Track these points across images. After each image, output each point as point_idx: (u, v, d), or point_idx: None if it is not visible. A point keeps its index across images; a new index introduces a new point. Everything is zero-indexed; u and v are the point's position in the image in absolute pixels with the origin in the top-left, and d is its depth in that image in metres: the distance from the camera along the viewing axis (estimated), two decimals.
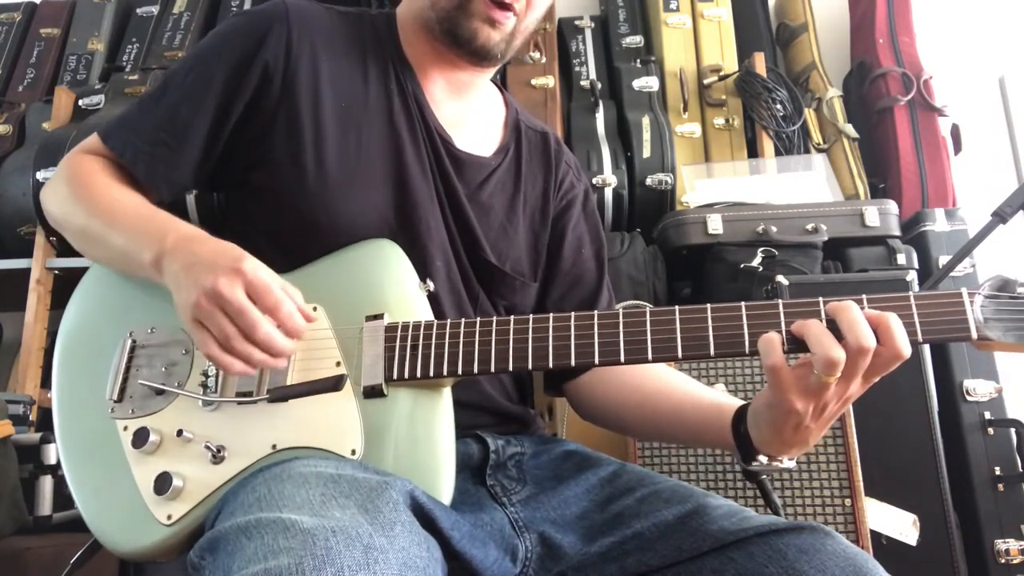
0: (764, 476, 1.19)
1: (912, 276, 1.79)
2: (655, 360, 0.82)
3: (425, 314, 0.90)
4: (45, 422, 2.21)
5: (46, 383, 2.34)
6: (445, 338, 0.86)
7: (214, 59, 0.99)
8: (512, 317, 0.86)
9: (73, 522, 1.72)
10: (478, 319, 0.87)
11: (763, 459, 0.87)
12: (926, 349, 1.71)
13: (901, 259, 2.02)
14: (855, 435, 1.47)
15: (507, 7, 0.98)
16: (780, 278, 1.77)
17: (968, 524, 1.75)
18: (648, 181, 2.31)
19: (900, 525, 1.55)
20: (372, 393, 0.85)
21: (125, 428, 0.89)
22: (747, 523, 0.84)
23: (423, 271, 0.96)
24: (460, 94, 1.10)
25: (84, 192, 0.96)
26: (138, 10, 2.90)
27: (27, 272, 2.38)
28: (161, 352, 0.92)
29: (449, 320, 0.87)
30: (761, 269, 1.99)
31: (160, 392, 0.90)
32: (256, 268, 0.80)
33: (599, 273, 1.19)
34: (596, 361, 0.83)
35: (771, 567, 0.79)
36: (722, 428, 0.91)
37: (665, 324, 0.81)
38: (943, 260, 2.05)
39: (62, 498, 1.70)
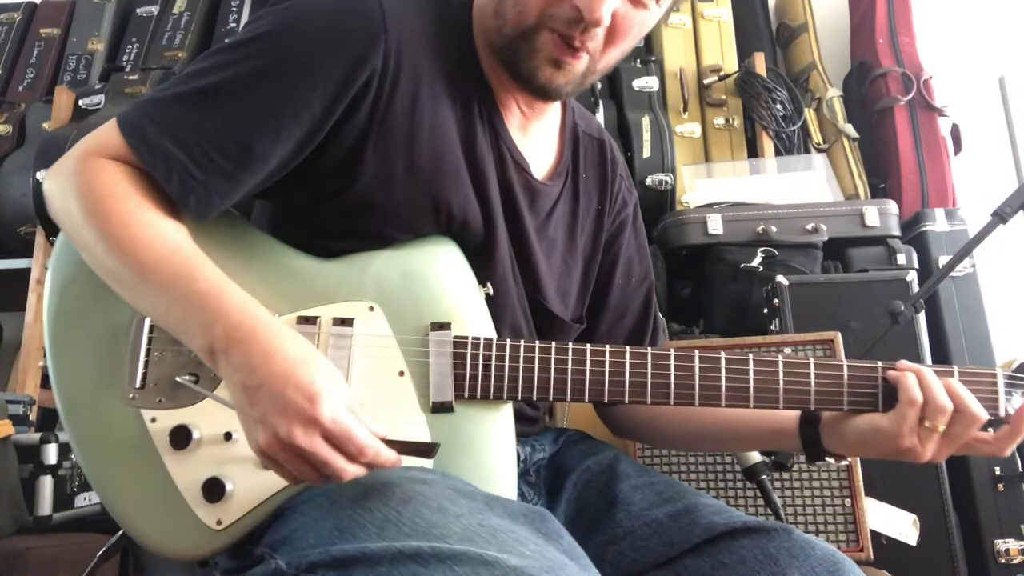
0: (765, 476, 1.20)
1: (912, 276, 1.78)
2: (728, 405, 0.85)
3: (487, 324, 0.88)
4: (45, 422, 2.22)
5: (46, 383, 2.34)
6: (519, 361, 0.84)
7: (297, 72, 0.80)
8: (588, 346, 0.86)
9: (73, 522, 1.72)
10: (554, 344, 0.85)
11: (831, 460, 0.94)
12: (926, 349, 1.71)
13: (901, 259, 2.03)
14: None
15: (577, 49, 0.83)
16: (780, 278, 1.77)
17: (968, 524, 1.75)
18: (648, 181, 2.31)
19: (900, 525, 1.55)
20: (441, 409, 0.83)
21: (153, 420, 0.81)
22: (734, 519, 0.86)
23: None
24: (532, 120, 0.97)
25: (103, 220, 0.77)
26: (138, 10, 2.90)
27: (27, 272, 2.38)
28: None
29: (523, 342, 0.85)
30: (761, 269, 1.99)
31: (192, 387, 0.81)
32: (336, 417, 0.68)
33: (645, 303, 1.10)
34: (671, 401, 0.85)
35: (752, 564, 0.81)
36: (781, 430, 0.95)
37: (739, 370, 0.86)
38: (943, 260, 2.05)
39: (62, 498, 1.70)
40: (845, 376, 0.85)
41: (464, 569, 0.60)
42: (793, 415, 0.94)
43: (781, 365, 0.85)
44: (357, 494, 0.71)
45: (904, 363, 0.85)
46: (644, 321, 1.10)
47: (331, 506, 0.72)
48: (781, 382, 0.85)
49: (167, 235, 0.78)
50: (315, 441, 0.68)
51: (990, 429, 0.85)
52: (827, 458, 0.93)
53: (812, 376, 0.85)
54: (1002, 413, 0.84)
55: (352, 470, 0.69)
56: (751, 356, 0.86)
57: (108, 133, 0.81)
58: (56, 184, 0.82)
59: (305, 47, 0.81)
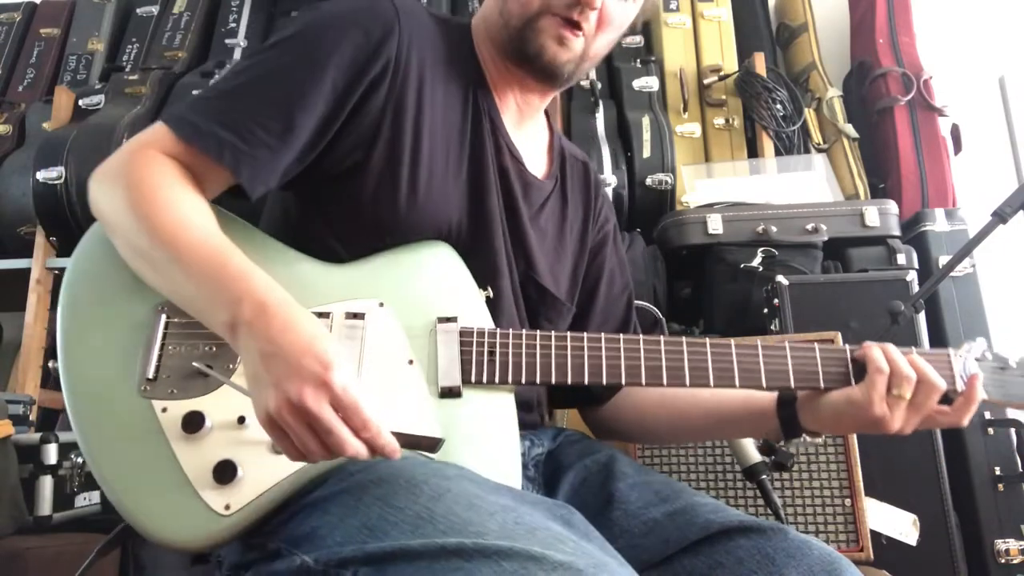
0: (765, 476, 1.20)
1: (912, 276, 1.78)
2: (716, 385, 0.91)
3: (489, 321, 0.93)
4: (45, 422, 2.22)
5: (46, 383, 2.35)
6: (522, 348, 0.90)
7: (323, 58, 0.91)
8: (585, 334, 0.92)
9: (73, 522, 1.72)
10: (554, 333, 0.91)
11: (806, 436, 1.01)
12: (926, 349, 1.71)
13: (901, 259, 2.02)
14: (855, 435, 1.47)
15: (577, 26, 0.96)
16: (780, 278, 1.77)
17: (968, 524, 1.75)
18: (648, 181, 2.31)
19: (900, 525, 1.55)
20: (448, 394, 0.87)
21: (164, 410, 0.83)
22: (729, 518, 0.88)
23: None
24: (526, 117, 1.09)
25: (146, 209, 0.83)
26: (138, 10, 2.90)
27: (27, 272, 2.38)
28: (204, 330, 0.84)
29: (524, 331, 0.91)
30: (761, 269, 1.99)
31: (205, 376, 0.84)
32: (346, 385, 0.71)
33: (627, 309, 1.22)
34: (664, 382, 0.91)
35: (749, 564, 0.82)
36: (761, 413, 1.02)
37: (723, 353, 0.93)
38: (943, 260, 2.05)
39: (62, 498, 1.70)
40: (818, 356, 0.93)
41: (511, 564, 0.60)
42: (770, 399, 1.01)
43: (760, 348, 0.93)
44: (383, 492, 0.72)
45: (869, 343, 0.94)
46: (626, 326, 1.21)
47: (356, 504, 0.72)
48: (762, 363, 0.92)
49: (202, 223, 0.85)
50: (323, 406, 0.70)
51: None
52: (803, 436, 1.00)
53: (788, 357, 0.92)
54: (958, 388, 0.94)
55: (355, 443, 0.71)
56: (732, 341, 0.93)
57: (156, 132, 0.90)
58: (103, 182, 0.89)
59: (329, 37, 0.92)
